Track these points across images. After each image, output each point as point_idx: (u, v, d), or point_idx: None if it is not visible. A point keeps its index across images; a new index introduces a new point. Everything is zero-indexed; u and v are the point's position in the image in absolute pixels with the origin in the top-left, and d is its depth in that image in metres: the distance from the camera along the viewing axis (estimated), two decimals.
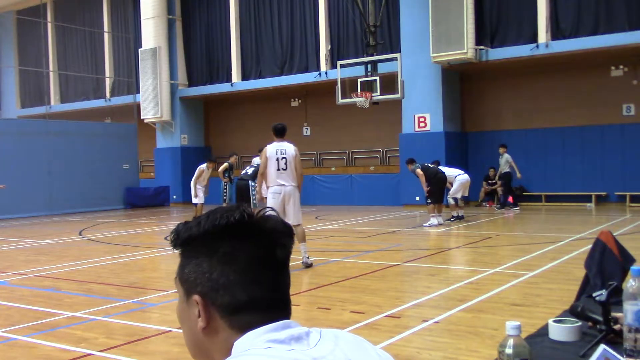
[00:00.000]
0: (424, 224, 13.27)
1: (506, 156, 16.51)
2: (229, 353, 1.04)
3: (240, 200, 12.96)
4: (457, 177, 14.01)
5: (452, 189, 14.02)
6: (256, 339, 1.02)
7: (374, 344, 1.12)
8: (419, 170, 13.24)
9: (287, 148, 8.45)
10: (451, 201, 14.08)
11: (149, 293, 7.00)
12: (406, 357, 4.34)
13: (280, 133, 8.68)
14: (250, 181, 12.97)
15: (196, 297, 1.09)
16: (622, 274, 2.65)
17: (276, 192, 8.22)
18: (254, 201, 12.78)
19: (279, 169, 8.25)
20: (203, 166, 15.38)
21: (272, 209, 1.12)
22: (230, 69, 22.05)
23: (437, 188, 13.25)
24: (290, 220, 8.00)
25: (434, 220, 13.13)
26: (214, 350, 1.08)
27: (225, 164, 15.46)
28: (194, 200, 15.31)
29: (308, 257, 8.26)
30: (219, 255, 1.07)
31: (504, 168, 16.59)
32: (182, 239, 1.15)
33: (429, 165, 13.61)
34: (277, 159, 8.32)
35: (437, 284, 7.10)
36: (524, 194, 17.75)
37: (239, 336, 1.04)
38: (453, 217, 13.95)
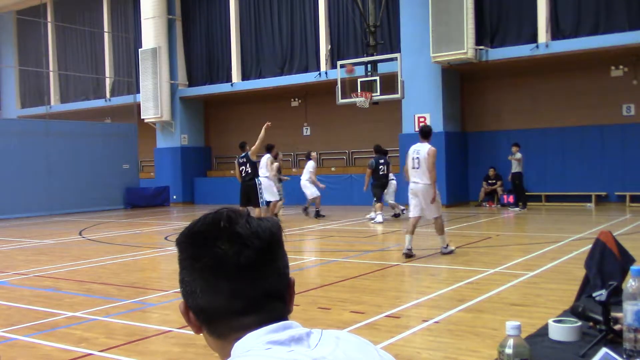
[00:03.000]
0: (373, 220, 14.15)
1: (519, 155, 16.31)
2: (228, 355, 1.03)
3: (246, 201, 12.83)
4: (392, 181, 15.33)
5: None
6: (256, 340, 1.01)
7: (374, 344, 1.12)
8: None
9: (422, 149, 8.96)
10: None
11: (149, 293, 7.00)
12: (406, 357, 4.34)
13: (423, 135, 9.26)
14: (255, 179, 12.90)
15: (180, 304, 1.11)
16: (622, 274, 2.65)
17: (410, 189, 9.07)
18: (261, 199, 12.81)
19: (413, 167, 8.99)
20: (271, 157, 15.46)
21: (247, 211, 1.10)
22: (230, 69, 22.05)
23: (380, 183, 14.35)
24: (427, 215, 9.00)
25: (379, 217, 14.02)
26: (219, 353, 1.09)
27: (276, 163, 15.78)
28: (270, 198, 14.35)
29: (446, 247, 9.02)
30: (186, 264, 1.08)
31: (516, 168, 16.36)
32: (176, 243, 1.13)
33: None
34: (412, 158, 9.01)
35: (437, 284, 7.10)
36: (524, 194, 17.75)
37: (231, 343, 1.03)
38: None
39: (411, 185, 8.97)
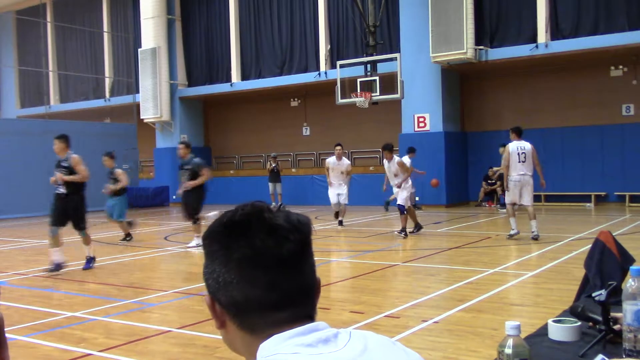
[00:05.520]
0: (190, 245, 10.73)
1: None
2: (253, 355, 1.00)
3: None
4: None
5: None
6: (282, 343, 0.98)
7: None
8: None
9: (526, 145, 10.57)
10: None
11: (148, 293, 7.00)
12: None
13: (519, 132, 10.84)
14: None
15: (206, 297, 1.08)
16: (621, 274, 2.65)
17: (517, 180, 10.36)
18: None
19: (519, 161, 10.38)
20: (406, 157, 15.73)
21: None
22: (230, 69, 22.05)
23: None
24: (525, 201, 10.43)
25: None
26: (241, 350, 1.06)
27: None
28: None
29: (534, 232, 10.25)
30: (219, 255, 1.04)
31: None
32: (202, 237, 1.11)
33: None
34: (518, 154, 10.42)
35: (437, 284, 7.10)
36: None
37: (262, 339, 1.00)
38: None
39: (516, 177, 10.37)
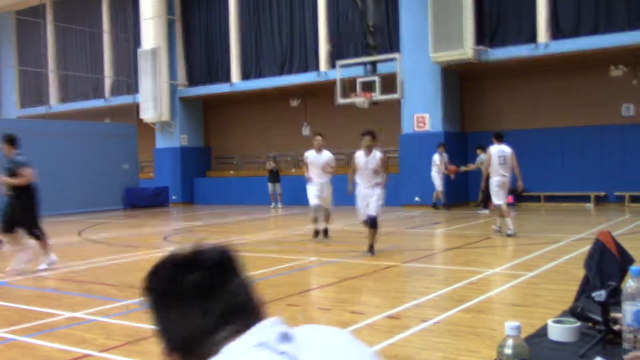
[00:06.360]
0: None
1: (481, 156, 16.57)
2: None
3: None
4: None
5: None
6: (242, 343, 1.05)
7: (374, 345, 1.12)
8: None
9: (506, 149, 11.12)
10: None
11: None
12: (406, 358, 4.34)
13: (500, 137, 11.35)
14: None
15: (160, 353, 1.16)
16: (621, 274, 2.65)
17: (498, 182, 10.99)
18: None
19: (500, 164, 11.03)
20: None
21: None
22: (230, 69, 22.05)
23: None
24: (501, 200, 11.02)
25: None
26: None
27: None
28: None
29: (508, 230, 10.76)
30: (158, 304, 1.16)
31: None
32: (144, 292, 1.20)
33: None
34: (499, 157, 11.05)
35: (437, 284, 7.09)
36: (523, 194, 17.75)
37: (218, 352, 1.06)
38: None
39: (499, 179, 10.99)
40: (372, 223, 9.06)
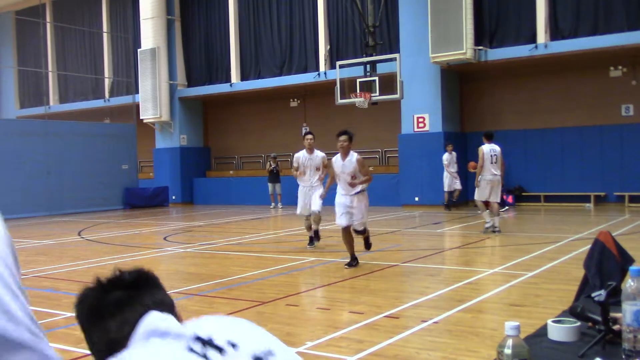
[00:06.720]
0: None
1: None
2: None
3: None
4: None
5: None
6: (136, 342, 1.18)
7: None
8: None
9: (496, 148, 11.57)
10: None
11: None
12: (405, 358, 4.34)
13: (489, 137, 11.76)
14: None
15: None
16: (621, 274, 2.65)
17: (489, 180, 11.34)
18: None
19: (491, 162, 11.36)
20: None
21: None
22: (230, 69, 22.05)
23: None
24: (493, 198, 11.37)
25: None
26: None
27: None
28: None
29: (496, 227, 11.26)
30: (89, 325, 1.29)
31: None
32: (77, 319, 1.34)
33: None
34: (491, 156, 11.37)
35: (437, 284, 7.09)
36: (523, 194, 17.77)
37: None
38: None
39: (491, 177, 11.36)
40: (361, 233, 8.41)
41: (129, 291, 1.26)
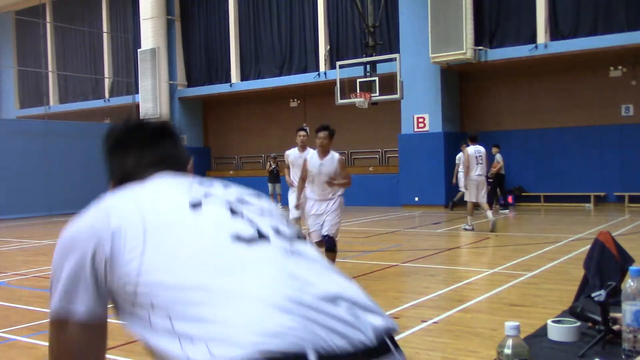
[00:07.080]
0: None
1: (498, 156, 16.55)
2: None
3: None
4: None
5: None
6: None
7: None
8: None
9: (481, 149, 11.93)
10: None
11: None
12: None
13: (474, 139, 12.12)
14: None
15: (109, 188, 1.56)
16: (620, 275, 2.66)
17: (475, 180, 11.81)
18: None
19: (477, 163, 11.76)
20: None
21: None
22: (229, 69, 22.05)
23: None
24: (481, 198, 11.90)
25: None
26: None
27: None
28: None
29: (468, 225, 12.01)
30: (112, 152, 1.53)
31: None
32: (104, 146, 1.59)
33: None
34: (476, 157, 11.75)
35: (436, 284, 7.10)
36: (523, 194, 17.76)
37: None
38: None
39: (477, 177, 11.82)
40: (330, 245, 7.00)
41: (152, 135, 1.47)
